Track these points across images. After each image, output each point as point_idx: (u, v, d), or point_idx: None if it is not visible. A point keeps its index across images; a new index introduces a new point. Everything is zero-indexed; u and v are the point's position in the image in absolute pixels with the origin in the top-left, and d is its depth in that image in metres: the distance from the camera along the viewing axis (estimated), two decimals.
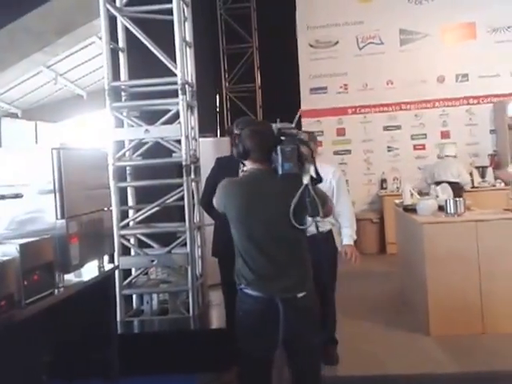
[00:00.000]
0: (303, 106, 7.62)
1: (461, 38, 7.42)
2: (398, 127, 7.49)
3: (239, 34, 8.51)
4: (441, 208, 4.23)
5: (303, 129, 6.70)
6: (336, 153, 7.64)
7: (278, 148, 2.15)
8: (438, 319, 3.87)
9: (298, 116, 2.97)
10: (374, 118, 7.60)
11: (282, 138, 2.20)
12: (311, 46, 7.71)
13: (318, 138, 7.49)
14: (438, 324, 3.87)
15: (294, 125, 2.45)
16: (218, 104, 8.66)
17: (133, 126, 4.10)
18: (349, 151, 7.67)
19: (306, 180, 2.15)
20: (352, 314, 4.45)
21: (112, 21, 4.19)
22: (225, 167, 3.46)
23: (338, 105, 7.64)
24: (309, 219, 2.40)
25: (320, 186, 3.34)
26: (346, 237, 3.47)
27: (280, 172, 2.15)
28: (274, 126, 2.30)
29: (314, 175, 2.19)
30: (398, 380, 3.28)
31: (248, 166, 2.29)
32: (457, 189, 5.84)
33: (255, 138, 2.23)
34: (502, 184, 6.86)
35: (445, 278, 3.86)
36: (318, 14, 7.65)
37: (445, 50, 7.40)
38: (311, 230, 2.30)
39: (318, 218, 2.27)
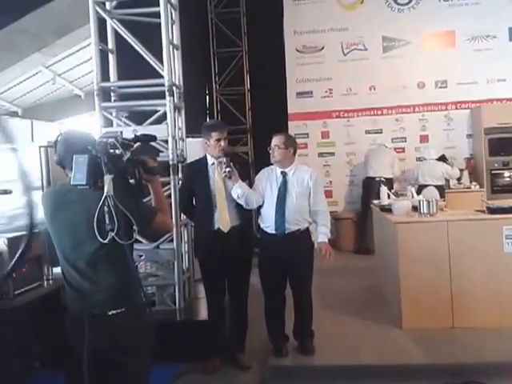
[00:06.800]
0: (290, 110, 7.83)
1: (441, 46, 7.59)
2: (380, 131, 7.69)
3: (229, 38, 8.59)
4: (415, 208, 4.37)
5: (290, 132, 6.87)
6: (320, 155, 7.85)
7: (74, 157, 1.96)
8: (410, 313, 4.01)
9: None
10: (356, 121, 7.77)
11: (89, 147, 2.00)
12: (298, 50, 7.87)
13: (304, 141, 7.77)
14: (410, 318, 4.01)
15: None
16: (208, 106, 8.78)
17: (121, 126, 4.22)
18: (332, 154, 7.85)
19: (106, 191, 1.94)
20: (329, 307, 4.62)
21: (103, 23, 4.32)
22: (195, 171, 3.66)
23: (322, 108, 7.82)
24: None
25: (297, 187, 3.57)
26: (321, 235, 3.64)
27: (72, 182, 1.96)
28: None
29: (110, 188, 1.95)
30: (371, 370, 3.40)
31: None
32: (441, 191, 6.13)
33: (63, 146, 2.09)
34: (477, 186, 7.10)
35: (417, 275, 4.00)
36: (305, 19, 7.81)
37: (425, 57, 7.56)
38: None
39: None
